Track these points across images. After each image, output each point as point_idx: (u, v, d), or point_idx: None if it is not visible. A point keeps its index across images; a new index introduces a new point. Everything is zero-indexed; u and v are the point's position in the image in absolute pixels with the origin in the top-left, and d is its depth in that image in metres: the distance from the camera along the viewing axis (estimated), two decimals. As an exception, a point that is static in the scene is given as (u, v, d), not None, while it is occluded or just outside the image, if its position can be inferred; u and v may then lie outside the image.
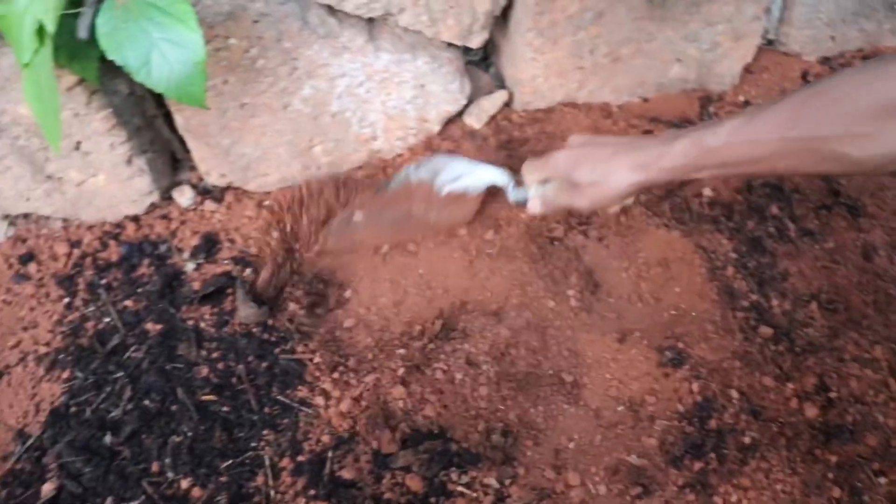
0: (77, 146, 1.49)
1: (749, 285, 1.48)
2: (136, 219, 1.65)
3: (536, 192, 1.21)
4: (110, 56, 1.19)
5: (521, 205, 1.27)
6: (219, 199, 1.64)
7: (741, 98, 1.76)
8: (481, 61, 1.81)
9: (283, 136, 1.55)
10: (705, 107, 1.74)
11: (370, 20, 1.50)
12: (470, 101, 1.68)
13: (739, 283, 1.48)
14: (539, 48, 1.56)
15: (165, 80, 1.20)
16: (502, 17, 1.60)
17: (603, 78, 1.66)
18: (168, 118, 1.62)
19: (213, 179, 1.62)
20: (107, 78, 1.44)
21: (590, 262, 1.50)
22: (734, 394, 1.32)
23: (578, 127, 1.68)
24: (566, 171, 1.14)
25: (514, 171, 1.35)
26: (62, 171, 1.54)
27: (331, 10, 1.45)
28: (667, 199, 1.58)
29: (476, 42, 1.56)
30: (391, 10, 1.45)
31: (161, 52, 1.19)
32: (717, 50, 1.65)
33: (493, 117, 1.70)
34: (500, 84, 1.75)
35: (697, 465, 1.24)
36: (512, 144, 1.67)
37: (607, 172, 1.08)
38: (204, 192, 1.65)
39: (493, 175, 1.31)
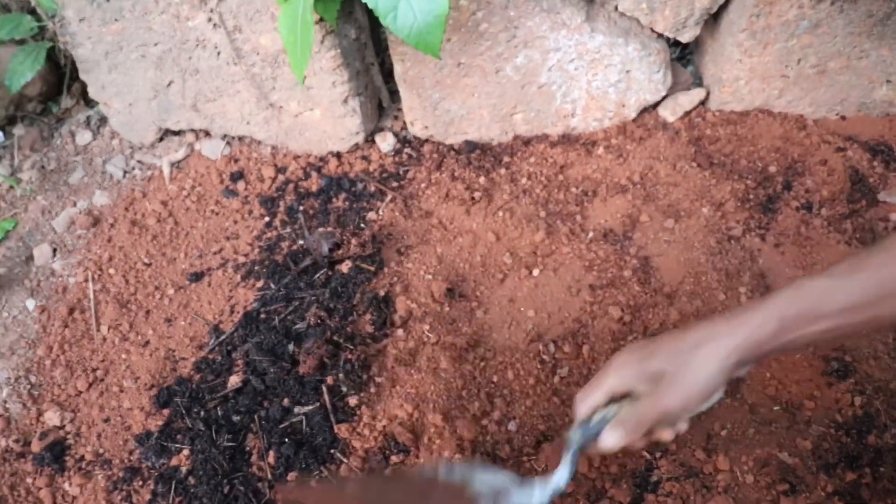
0: (303, 80, 1.62)
1: (926, 315, 1.46)
2: (338, 155, 1.78)
3: (596, 424, 0.94)
4: (363, -2, 1.31)
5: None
6: (417, 150, 1.75)
7: (946, 130, 1.73)
8: (678, 59, 1.85)
9: (489, 99, 1.64)
10: (905, 134, 1.72)
11: (590, 1, 1.56)
12: (667, 95, 1.72)
13: (916, 310, 1.47)
14: (748, 50, 1.58)
15: (408, 28, 1.31)
16: (712, 17, 1.63)
17: (804, 89, 1.67)
18: (382, 68, 1.75)
19: (416, 130, 1.73)
20: (341, 21, 1.56)
21: (764, 265, 1.52)
22: (898, 416, 1.32)
23: (770, 134, 1.70)
24: (638, 369, 0.92)
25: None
26: (284, 101, 1.69)
27: (556, -14, 1.53)
28: (849, 218, 1.57)
29: (687, 36, 1.61)
30: (614, -6, 1.52)
31: (408, 1, 1.29)
32: (930, 77, 1.63)
33: (687, 113, 1.74)
34: (698, 82, 1.78)
35: (850, 476, 1.24)
36: (702, 142, 1.70)
37: (695, 346, 0.88)
38: (404, 141, 1.77)
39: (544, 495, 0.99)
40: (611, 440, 0.92)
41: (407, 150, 1.76)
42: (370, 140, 1.78)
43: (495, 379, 1.39)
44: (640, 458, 1.28)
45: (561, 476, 0.97)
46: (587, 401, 0.96)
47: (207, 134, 1.87)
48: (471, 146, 1.73)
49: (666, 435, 0.94)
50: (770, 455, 1.28)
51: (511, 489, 1.01)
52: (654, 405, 0.90)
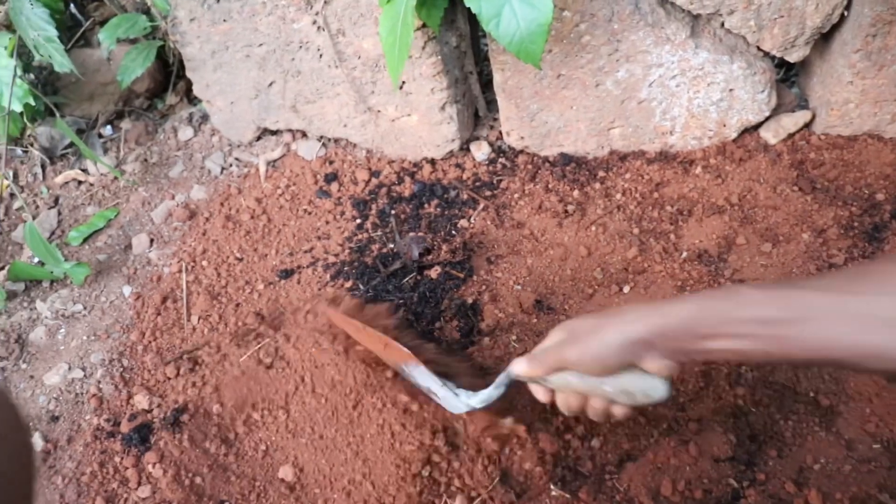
0: (402, 85, 1.64)
1: None
2: (432, 162, 1.79)
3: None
4: (468, 3, 1.32)
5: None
6: (511, 160, 1.75)
7: None
8: (782, 80, 1.80)
9: (588, 113, 1.63)
10: None
11: (696, 17, 1.54)
12: (770, 116, 1.67)
13: None
14: (861, 72, 1.53)
15: (510, 35, 1.31)
16: (823, 36, 1.58)
17: (920, 115, 1.60)
18: (480, 77, 1.75)
19: (512, 140, 1.73)
20: (443, 28, 1.57)
21: (868, 296, 1.46)
22: None
23: (879, 161, 1.63)
24: (567, 326, 0.99)
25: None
26: (382, 105, 1.70)
27: (662, 0, 1.51)
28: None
29: (796, 56, 1.56)
30: (721, 10, 1.49)
31: (512, 8, 1.29)
32: None
33: (790, 135, 1.69)
34: (803, 104, 1.73)
35: (959, 526, 1.18)
36: (805, 166, 1.65)
37: (611, 316, 0.92)
38: (499, 151, 1.77)
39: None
40: (516, 366, 1.03)
41: (501, 159, 1.76)
42: (465, 148, 1.79)
43: (580, 394, 1.37)
44: (726, 486, 1.24)
45: (489, 394, 1.11)
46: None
47: (304, 135, 1.91)
48: (566, 159, 1.71)
49: (593, 406, 0.99)
50: (868, 495, 1.22)
51: (442, 390, 1.17)
52: (556, 351, 0.98)
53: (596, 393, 0.98)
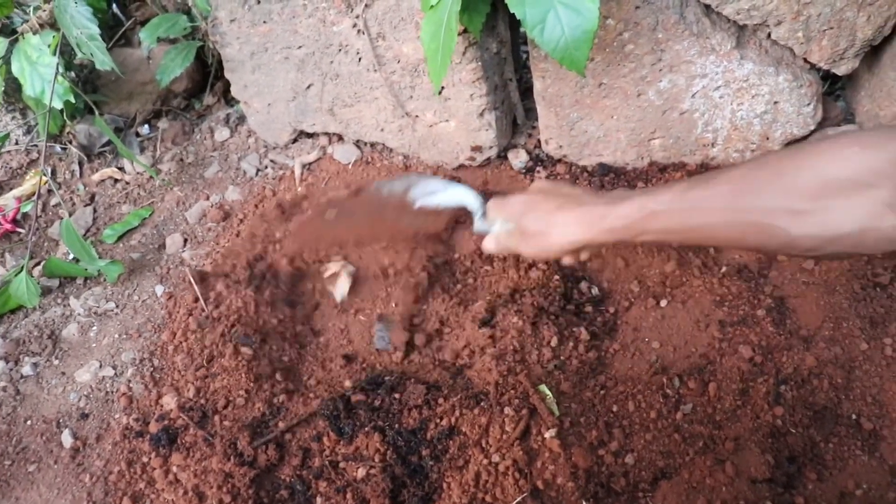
0: (440, 90, 1.63)
1: None
2: (469, 169, 1.77)
3: (499, 228, 1.21)
4: (512, 9, 1.29)
5: (481, 235, 1.27)
6: (549, 169, 1.73)
7: None
8: (827, 93, 1.76)
9: (628, 123, 1.60)
10: None
11: (742, 27, 1.51)
12: (815, 129, 1.64)
13: None
14: (912, 87, 1.49)
15: (554, 42, 1.29)
16: (873, 49, 1.54)
17: (972, 134, 1.56)
18: (519, 84, 1.74)
19: (550, 149, 1.71)
20: (484, 34, 1.55)
21: (914, 316, 1.42)
22: None
23: (927, 179, 1.59)
24: (517, 216, 1.16)
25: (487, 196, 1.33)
26: (420, 110, 1.69)
27: (708, 9, 1.48)
28: None
29: (844, 69, 1.52)
30: (768, 21, 1.45)
31: (557, 15, 1.27)
32: None
33: (835, 150, 1.65)
34: (849, 118, 1.69)
35: None
36: (850, 181, 1.61)
37: (551, 225, 1.09)
38: (536, 160, 1.75)
39: (465, 197, 1.32)
40: (486, 247, 1.24)
41: (539, 168, 1.74)
42: (502, 156, 1.77)
43: (615, 409, 1.35)
44: (765, 509, 1.21)
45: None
46: (494, 211, 1.22)
47: (340, 138, 1.90)
48: (604, 169, 1.68)
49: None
50: (913, 523, 1.18)
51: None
52: (511, 242, 1.18)
53: None
